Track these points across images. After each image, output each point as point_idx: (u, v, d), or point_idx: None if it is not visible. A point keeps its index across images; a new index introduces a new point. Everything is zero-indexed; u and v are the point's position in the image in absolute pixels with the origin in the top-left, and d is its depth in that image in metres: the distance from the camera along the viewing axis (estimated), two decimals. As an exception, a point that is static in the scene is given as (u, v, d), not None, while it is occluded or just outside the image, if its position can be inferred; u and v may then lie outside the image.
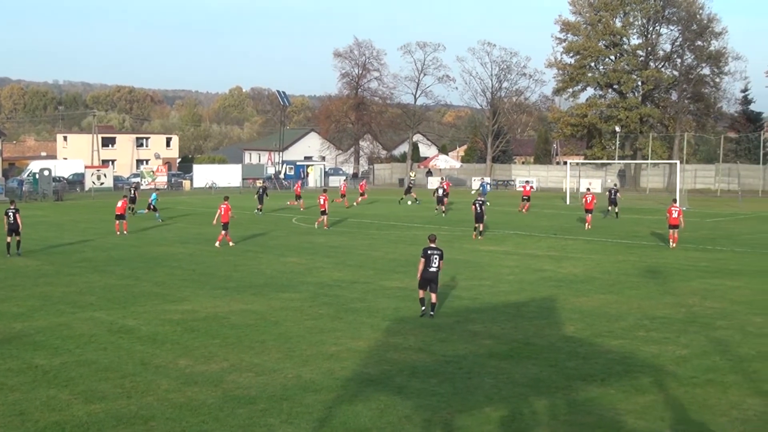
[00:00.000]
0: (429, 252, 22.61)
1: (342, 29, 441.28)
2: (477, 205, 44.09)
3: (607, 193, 60.87)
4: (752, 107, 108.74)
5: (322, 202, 48.38)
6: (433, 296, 22.89)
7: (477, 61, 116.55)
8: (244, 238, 43.47)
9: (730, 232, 46.69)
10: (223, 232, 39.72)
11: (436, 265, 22.56)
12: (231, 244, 39.53)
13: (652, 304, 24.62)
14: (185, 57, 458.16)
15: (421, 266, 22.64)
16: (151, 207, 56.55)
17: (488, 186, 63.18)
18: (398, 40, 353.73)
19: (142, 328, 21.46)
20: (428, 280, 22.67)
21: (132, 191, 59.42)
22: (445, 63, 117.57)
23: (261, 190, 61.62)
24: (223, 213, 39.64)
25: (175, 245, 40.33)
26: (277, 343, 19.73)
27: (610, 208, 57.48)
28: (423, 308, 22.92)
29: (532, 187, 70.79)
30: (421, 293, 23.07)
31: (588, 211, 49.35)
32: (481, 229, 43.83)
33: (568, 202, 72.27)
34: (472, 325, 21.81)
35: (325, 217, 48.19)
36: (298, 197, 64.56)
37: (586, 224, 48.66)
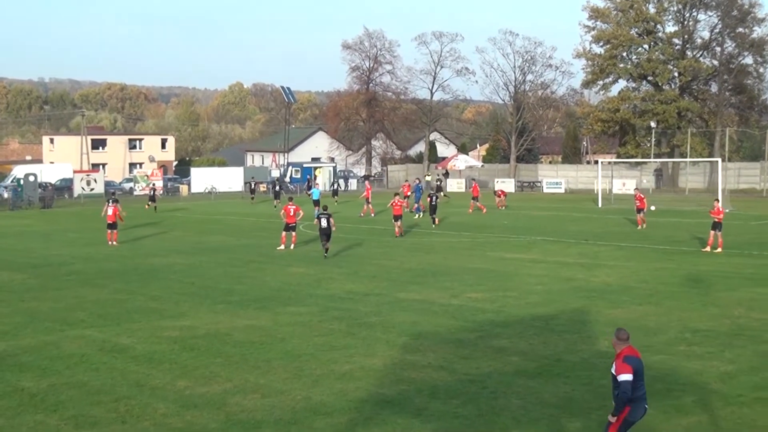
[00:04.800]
0: (321, 216, 38.96)
1: (351, 19, 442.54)
2: (432, 198, 54.82)
3: (437, 182, 76.98)
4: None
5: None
6: (329, 245, 38.46)
7: (498, 52, 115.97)
8: (246, 246, 43.53)
9: (778, 235, 46.53)
10: (284, 233, 42.16)
11: (326, 224, 38.14)
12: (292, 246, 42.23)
13: (694, 316, 24.51)
14: (181, 51, 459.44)
15: (317, 223, 39.51)
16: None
17: (421, 188, 65.88)
18: (412, 30, 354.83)
19: (137, 346, 21.44)
20: (323, 235, 38.51)
21: (152, 192, 61.59)
22: (464, 54, 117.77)
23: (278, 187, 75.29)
24: (292, 213, 41.97)
25: (173, 256, 40.36)
26: (284, 362, 19.67)
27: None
28: (325, 254, 37.96)
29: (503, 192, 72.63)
30: (327, 245, 38.32)
31: (639, 210, 51.71)
32: (435, 219, 53.65)
33: (600, 205, 72.12)
34: (498, 340, 21.73)
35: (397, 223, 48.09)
36: (368, 200, 63.85)
37: (640, 224, 50.97)
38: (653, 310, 25.61)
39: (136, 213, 64.74)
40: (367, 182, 77.50)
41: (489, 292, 28.93)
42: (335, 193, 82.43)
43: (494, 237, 47.22)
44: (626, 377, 12.37)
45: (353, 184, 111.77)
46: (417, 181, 68.17)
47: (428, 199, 56.05)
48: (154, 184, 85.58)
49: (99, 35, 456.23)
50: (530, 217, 61.33)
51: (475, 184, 71.03)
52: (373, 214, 61.54)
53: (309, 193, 60.76)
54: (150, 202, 71.46)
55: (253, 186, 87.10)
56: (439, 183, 76.62)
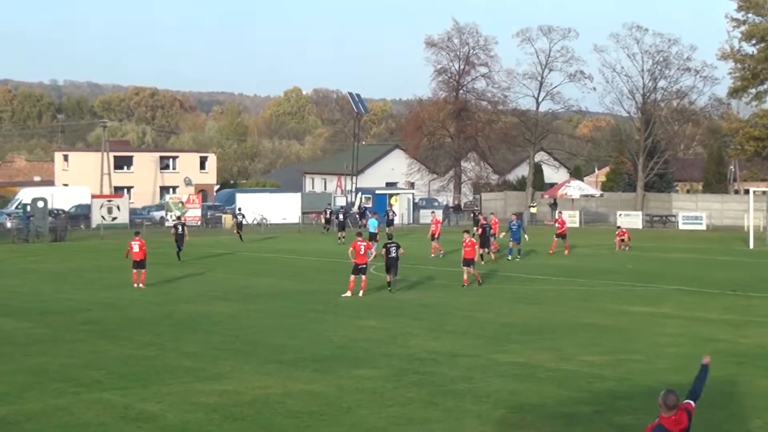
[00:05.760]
0: (388, 245, 43.31)
1: (436, 9, 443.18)
2: (485, 228, 58.40)
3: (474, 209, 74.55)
4: None
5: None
6: (393, 276, 43.13)
7: (622, 51, 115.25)
8: (304, 292, 43.70)
9: None
10: (352, 277, 42.10)
11: (395, 253, 42.74)
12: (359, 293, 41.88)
13: None
14: (225, 49, 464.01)
15: (384, 253, 43.42)
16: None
17: (523, 232, 60.81)
18: (513, 25, 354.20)
19: (167, 414, 21.58)
20: (390, 266, 43.00)
21: (180, 228, 60.09)
22: (579, 55, 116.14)
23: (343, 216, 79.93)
24: (362, 252, 42.06)
25: (213, 303, 40.67)
26: (349, 438, 19.69)
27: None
28: (389, 288, 42.92)
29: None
30: (388, 277, 43.20)
31: None
32: (484, 252, 55.61)
33: (751, 246, 71.33)
34: (620, 416, 21.56)
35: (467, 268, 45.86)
36: (435, 237, 63.41)
37: None
38: (820, 381, 25.25)
39: (168, 247, 65.13)
40: (434, 215, 77.03)
41: (608, 355, 28.74)
42: (390, 223, 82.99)
43: (615, 285, 46.92)
44: None
45: (410, 216, 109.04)
46: (514, 218, 64.61)
47: (478, 230, 59.34)
48: (240, 209, 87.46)
49: (126, 30, 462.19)
50: (661, 260, 60.86)
51: (561, 218, 69.91)
52: (442, 252, 61.10)
53: (366, 223, 62.73)
54: (238, 230, 78.01)
55: (328, 215, 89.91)
56: (474, 210, 75.48)
